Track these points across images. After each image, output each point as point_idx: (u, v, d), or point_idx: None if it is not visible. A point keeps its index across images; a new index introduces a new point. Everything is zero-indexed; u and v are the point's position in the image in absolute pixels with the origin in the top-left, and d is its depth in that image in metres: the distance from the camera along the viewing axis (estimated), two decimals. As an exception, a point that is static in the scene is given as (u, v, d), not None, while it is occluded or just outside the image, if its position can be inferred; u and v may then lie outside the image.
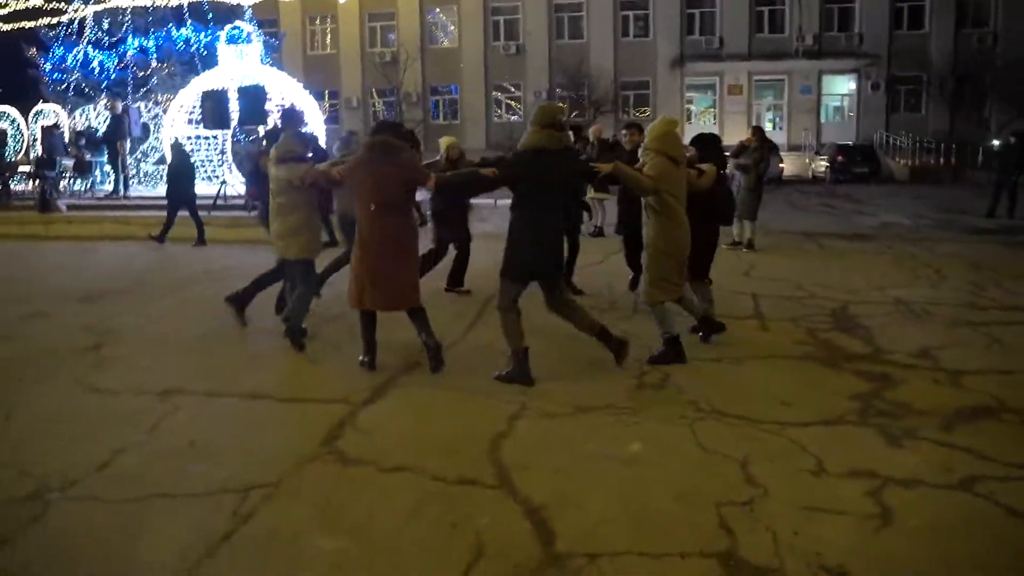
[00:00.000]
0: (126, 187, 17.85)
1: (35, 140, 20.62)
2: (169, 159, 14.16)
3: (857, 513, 3.79)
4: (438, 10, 38.34)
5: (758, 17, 35.74)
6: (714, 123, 36.06)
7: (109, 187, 18.49)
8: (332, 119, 35.54)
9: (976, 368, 6.10)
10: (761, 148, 11.95)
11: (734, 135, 29.35)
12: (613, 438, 4.73)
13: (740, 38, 35.58)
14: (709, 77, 36.60)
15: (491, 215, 13.98)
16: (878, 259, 11.38)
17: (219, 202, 14.89)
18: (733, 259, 11.10)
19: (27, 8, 20.54)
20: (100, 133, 18.58)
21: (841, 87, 36.76)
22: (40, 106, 21.33)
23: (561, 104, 6.47)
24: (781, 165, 28.36)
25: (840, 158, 29.31)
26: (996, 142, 26.03)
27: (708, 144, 7.14)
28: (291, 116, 7.13)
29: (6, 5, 20.32)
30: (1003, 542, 3.59)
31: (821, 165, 30.52)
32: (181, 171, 13.32)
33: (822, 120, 36.46)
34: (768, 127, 35.52)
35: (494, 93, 38.32)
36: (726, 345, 6.69)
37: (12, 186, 18.60)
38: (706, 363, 6.23)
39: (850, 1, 35.22)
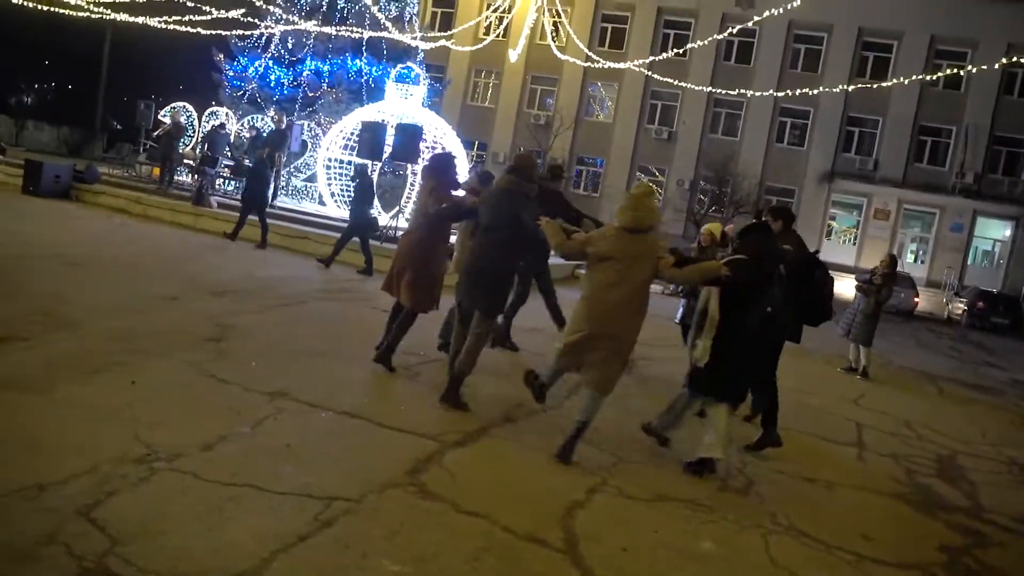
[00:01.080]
0: (274, 196, 18.85)
1: (204, 138, 22.13)
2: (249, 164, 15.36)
3: (920, 664, 3.68)
4: (599, 84, 39.17)
5: (919, 146, 35.04)
6: (854, 244, 35.30)
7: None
8: (476, 169, 36.60)
9: (1081, 549, 5.78)
10: (888, 276, 11.58)
11: (872, 259, 28.66)
12: (686, 532, 4.74)
13: (896, 164, 34.91)
14: (857, 197, 35.95)
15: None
16: (1000, 415, 10.88)
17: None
18: (845, 384, 10.86)
19: (226, 18, 22.18)
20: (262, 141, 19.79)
21: (996, 232, 35.41)
22: (214, 108, 22.94)
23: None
24: (916, 300, 27.46)
25: (980, 304, 28.11)
26: None
27: (752, 232, 6.05)
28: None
29: (209, 13, 22.00)
30: None
31: (958, 307, 29.34)
32: (259, 177, 14.61)
33: (969, 261, 35.14)
34: (910, 259, 34.56)
35: (638, 174, 38.69)
36: (820, 467, 6.56)
37: (175, 175, 19.96)
38: (795, 480, 6.14)
39: (1020, 147, 34.10)
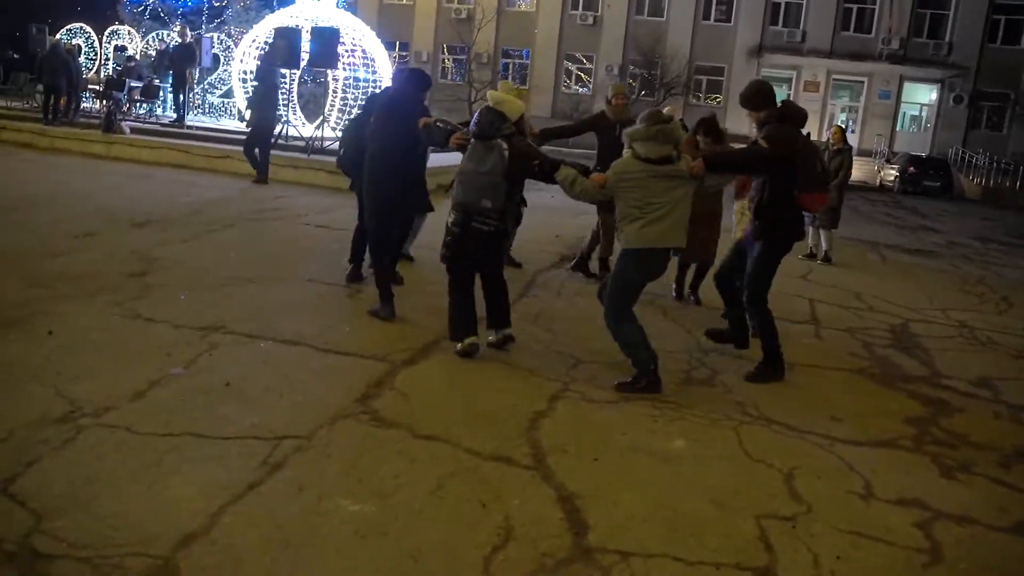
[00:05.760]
0: (186, 114, 17.89)
1: (107, 60, 20.82)
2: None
3: (905, 545, 3.60)
4: (519, -29, 37.92)
5: (845, 14, 34.76)
6: (785, 118, 35.22)
7: (173, 114, 18.58)
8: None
9: (1040, 405, 5.81)
10: (841, 150, 10.88)
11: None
12: (654, 432, 4.57)
13: (823, 34, 34.65)
14: (786, 71, 35.72)
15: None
16: (943, 278, 10.99)
17: (279, 141, 14.85)
18: (793, 262, 10.77)
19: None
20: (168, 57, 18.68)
21: (922, 96, 35.69)
22: (115, 27, 21.54)
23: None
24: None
25: (911, 169, 28.47)
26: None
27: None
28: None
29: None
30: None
31: (890, 174, 29.70)
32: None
33: (898, 128, 35.50)
34: (840, 128, 34.79)
35: (565, 63, 37.87)
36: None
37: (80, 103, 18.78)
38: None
39: (944, 8, 34.04)
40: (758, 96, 5.60)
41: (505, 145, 5.32)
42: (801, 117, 5.70)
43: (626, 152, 5.13)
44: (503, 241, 5.63)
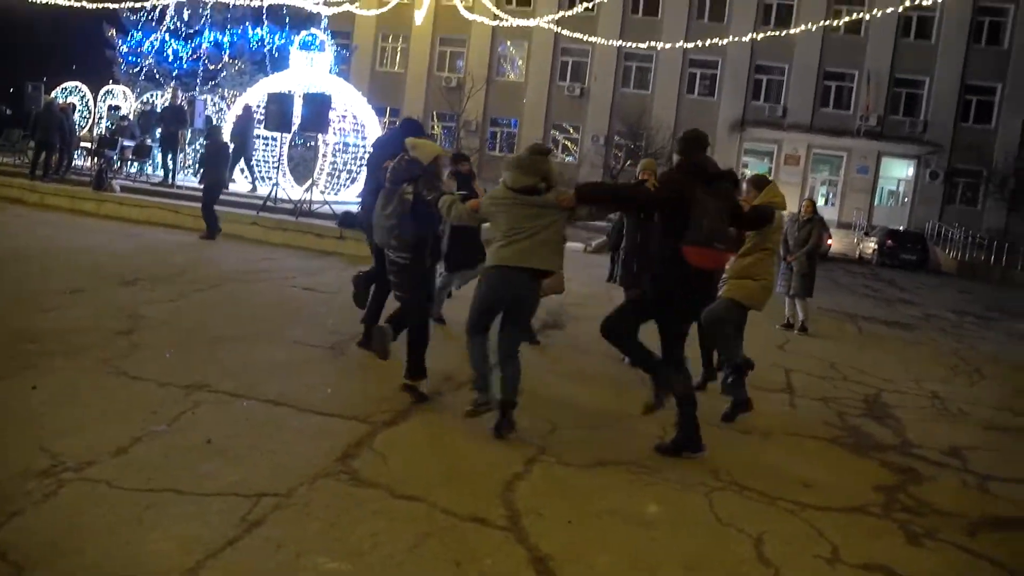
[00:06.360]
0: (173, 175, 18.07)
1: (100, 118, 21.11)
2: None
3: (869, 611, 3.68)
4: (509, 43, 38.82)
5: (824, 91, 35.78)
6: (767, 190, 35.85)
7: (161, 173, 18.79)
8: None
9: (1007, 475, 5.93)
10: (810, 221, 11.20)
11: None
12: (629, 497, 4.66)
13: (804, 109, 35.59)
14: (768, 144, 36.59)
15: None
16: (918, 350, 11.19)
17: (268, 203, 15.06)
18: (770, 332, 10.96)
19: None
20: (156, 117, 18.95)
21: (899, 171, 36.54)
22: (110, 86, 21.87)
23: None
24: (829, 242, 28.16)
25: (889, 242, 29.04)
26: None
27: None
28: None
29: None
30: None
31: (869, 247, 30.26)
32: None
33: (876, 202, 36.25)
34: (821, 201, 35.43)
35: (552, 132, 38.58)
36: (754, 416, 6.56)
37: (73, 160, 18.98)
38: (732, 433, 6.12)
39: (919, 88, 35.13)
40: (681, 143, 5.54)
41: (409, 189, 5.75)
42: (700, 170, 5.36)
43: (500, 180, 5.47)
44: (423, 275, 6.05)
